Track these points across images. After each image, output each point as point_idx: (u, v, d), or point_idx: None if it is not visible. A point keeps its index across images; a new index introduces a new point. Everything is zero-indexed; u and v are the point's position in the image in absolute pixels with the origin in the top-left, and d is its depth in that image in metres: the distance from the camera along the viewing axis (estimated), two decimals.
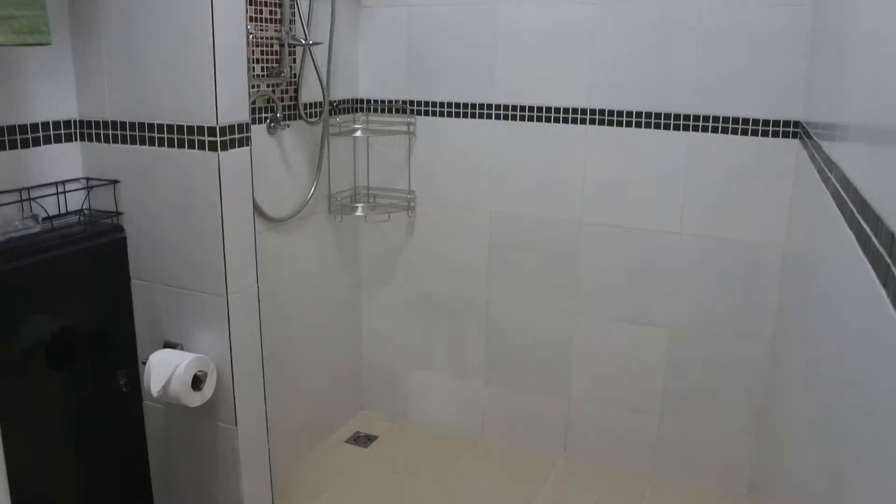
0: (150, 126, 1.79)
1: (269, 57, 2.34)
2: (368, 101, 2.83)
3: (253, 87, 2.26)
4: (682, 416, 2.58)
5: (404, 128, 2.76)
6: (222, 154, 1.69)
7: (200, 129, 1.70)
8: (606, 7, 2.43)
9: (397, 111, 2.76)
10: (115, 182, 1.87)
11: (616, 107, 2.48)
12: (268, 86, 2.34)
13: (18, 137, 1.75)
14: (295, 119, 2.48)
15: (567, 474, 2.70)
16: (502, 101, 2.62)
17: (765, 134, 2.32)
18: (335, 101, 2.69)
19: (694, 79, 2.37)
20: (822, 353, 1.23)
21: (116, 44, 1.78)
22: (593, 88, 2.50)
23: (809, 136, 1.94)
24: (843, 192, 1.15)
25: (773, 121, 2.30)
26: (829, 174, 1.36)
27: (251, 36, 2.24)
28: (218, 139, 1.68)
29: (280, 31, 2.35)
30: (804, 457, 1.25)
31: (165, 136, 1.76)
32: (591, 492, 2.59)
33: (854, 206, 1.01)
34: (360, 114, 2.83)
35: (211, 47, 1.66)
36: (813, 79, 2.04)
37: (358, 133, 2.75)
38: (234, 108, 1.73)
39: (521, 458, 2.79)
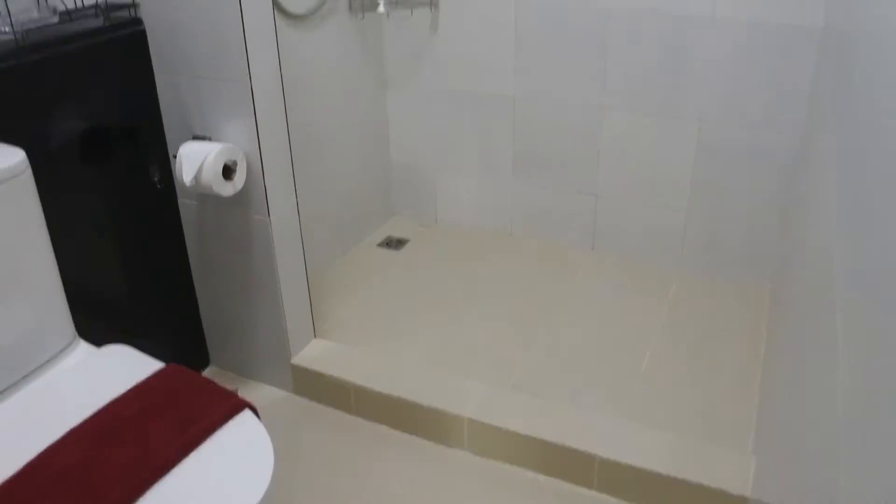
0: None
1: None
2: None
3: None
4: (710, 210, 2.58)
5: None
6: None
7: None
8: None
9: None
10: None
11: None
12: None
13: None
14: None
15: (595, 270, 2.76)
16: None
17: None
18: None
19: None
20: (856, 136, 1.19)
21: None
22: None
23: None
24: None
25: None
26: None
27: None
28: None
29: None
30: (830, 242, 1.25)
31: None
32: (617, 287, 2.66)
33: None
34: None
35: None
36: None
37: None
38: None
39: (549, 255, 2.86)
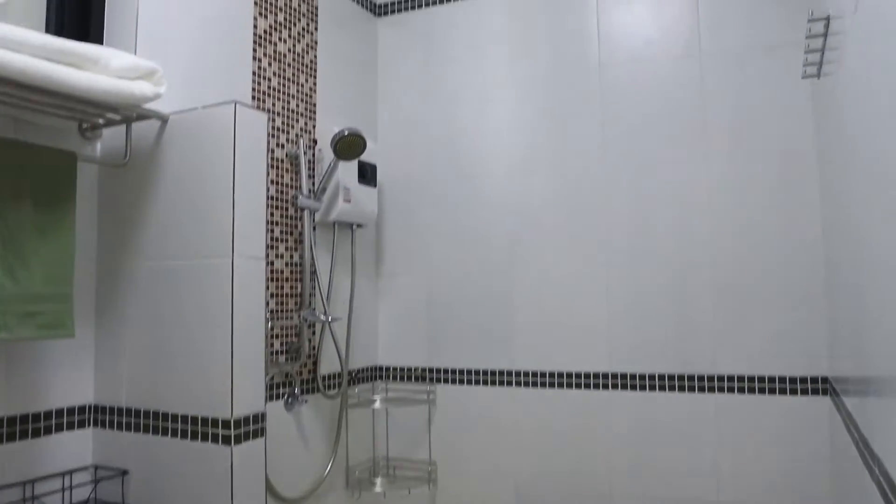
0: (164, 415, 1.75)
1: (288, 331, 2.37)
2: (388, 369, 2.82)
3: (272, 362, 2.26)
4: None
5: (424, 396, 2.72)
6: (236, 448, 1.63)
7: (215, 422, 1.65)
8: (620, 268, 2.49)
9: (417, 379, 2.74)
10: (124, 473, 1.80)
11: (638, 370, 2.45)
12: (286, 360, 2.34)
13: (30, 427, 1.71)
14: (313, 392, 2.45)
15: None
16: (522, 367, 2.61)
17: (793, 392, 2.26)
18: (354, 371, 2.68)
19: (716, 338, 2.36)
20: None
21: (140, 330, 1.79)
22: (614, 352, 2.48)
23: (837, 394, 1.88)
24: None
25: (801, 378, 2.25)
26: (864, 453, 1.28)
27: (270, 313, 2.28)
28: (232, 433, 1.63)
29: (300, 307, 2.40)
30: None
31: (179, 426, 1.72)
32: None
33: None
34: (379, 381, 2.81)
35: (230, 329, 1.67)
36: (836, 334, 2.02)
37: (377, 405, 2.70)
38: (250, 398, 1.69)
39: None
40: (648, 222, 2.48)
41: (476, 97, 2.78)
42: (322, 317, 2.39)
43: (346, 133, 2.30)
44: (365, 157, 2.57)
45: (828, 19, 1.58)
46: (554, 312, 2.58)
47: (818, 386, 2.23)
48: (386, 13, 2.98)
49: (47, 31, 1.83)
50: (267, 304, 2.26)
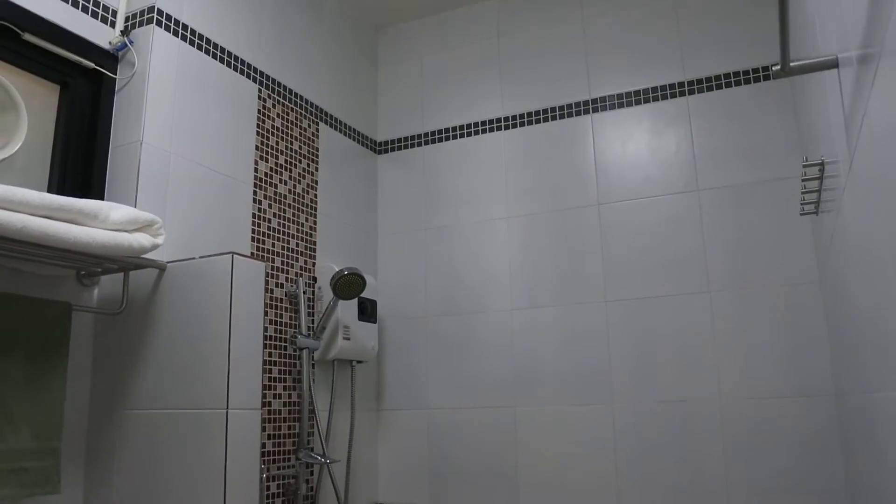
0: None
1: (286, 472, 2.29)
2: None
3: None
4: None
5: None
6: None
7: None
8: (624, 406, 2.44)
9: None
10: None
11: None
12: (283, 503, 2.26)
13: None
14: None
15: None
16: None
17: None
18: None
19: None
20: None
21: (131, 481, 1.73)
22: (622, 494, 2.40)
23: None
24: None
25: None
26: None
27: (265, 456, 2.22)
28: None
29: (297, 448, 2.34)
30: None
31: None
32: None
33: None
34: None
35: (223, 480, 1.61)
36: None
37: None
38: None
39: None
40: (649, 361, 2.45)
41: (475, 234, 2.81)
42: (321, 459, 2.32)
43: (346, 272, 2.31)
44: (365, 292, 2.57)
45: (822, 164, 1.61)
46: (559, 451, 2.51)
47: None
48: (386, 150, 3.06)
49: (50, 183, 1.88)
50: (263, 446, 2.20)
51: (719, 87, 2.53)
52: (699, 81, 2.56)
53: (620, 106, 2.67)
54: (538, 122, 2.79)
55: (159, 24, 2.05)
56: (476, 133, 2.89)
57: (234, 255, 1.66)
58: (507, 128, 2.84)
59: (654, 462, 2.38)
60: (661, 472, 2.36)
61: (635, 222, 2.56)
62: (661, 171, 2.56)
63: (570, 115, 2.74)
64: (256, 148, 2.35)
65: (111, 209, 1.59)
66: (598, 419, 2.47)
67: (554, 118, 2.77)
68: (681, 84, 2.58)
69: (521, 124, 2.81)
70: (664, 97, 2.60)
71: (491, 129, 2.87)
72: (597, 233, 2.60)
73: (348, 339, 2.52)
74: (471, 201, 2.84)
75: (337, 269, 2.35)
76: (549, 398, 2.56)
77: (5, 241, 1.40)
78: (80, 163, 1.94)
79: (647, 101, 2.63)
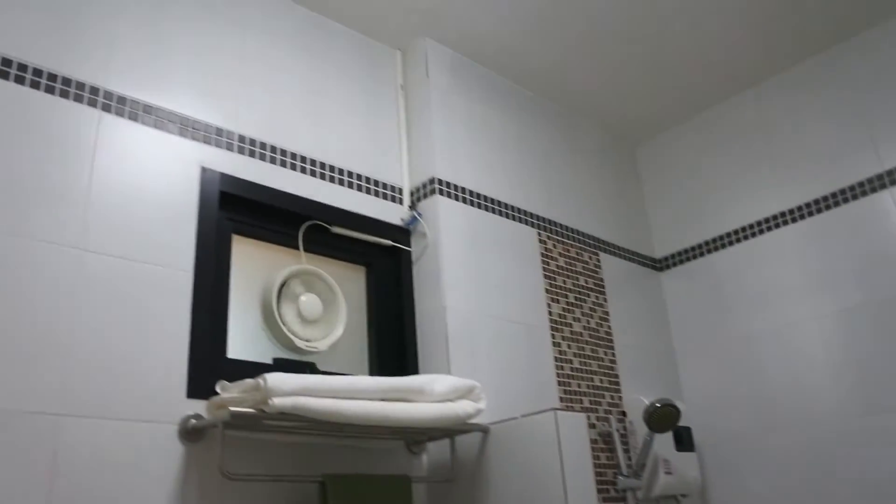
0: None
1: None
2: None
3: None
4: None
5: None
6: None
7: None
8: None
9: None
10: None
11: None
12: None
13: None
14: None
15: None
16: None
17: None
18: None
19: None
20: None
21: None
22: None
23: None
24: None
25: None
26: None
27: None
28: None
29: None
30: None
31: None
32: None
33: None
34: None
35: None
36: None
37: None
38: None
39: None
40: None
41: (781, 339, 2.54)
42: None
43: (659, 405, 2.18)
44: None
45: None
46: None
47: None
48: (668, 266, 2.94)
49: (370, 359, 2.00)
50: None
51: None
52: None
53: None
54: (827, 208, 2.52)
55: (441, 192, 2.17)
56: (760, 233, 2.68)
57: (557, 412, 1.62)
58: (792, 221, 2.60)
59: None
60: None
61: None
62: None
63: (862, 194, 2.45)
64: (546, 291, 2.35)
65: (434, 381, 1.64)
66: None
67: (846, 200, 2.49)
68: None
69: (809, 214, 2.56)
70: None
71: (776, 226, 2.64)
72: None
73: (670, 473, 2.35)
74: (767, 304, 2.60)
75: (647, 402, 2.22)
76: None
77: (353, 427, 1.50)
78: (395, 335, 2.06)
79: None
